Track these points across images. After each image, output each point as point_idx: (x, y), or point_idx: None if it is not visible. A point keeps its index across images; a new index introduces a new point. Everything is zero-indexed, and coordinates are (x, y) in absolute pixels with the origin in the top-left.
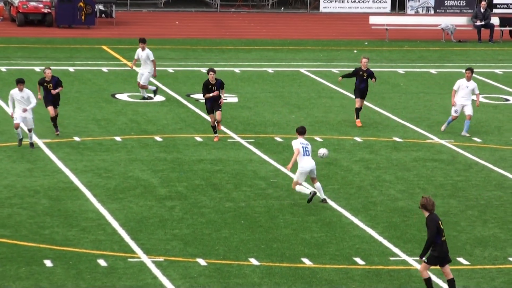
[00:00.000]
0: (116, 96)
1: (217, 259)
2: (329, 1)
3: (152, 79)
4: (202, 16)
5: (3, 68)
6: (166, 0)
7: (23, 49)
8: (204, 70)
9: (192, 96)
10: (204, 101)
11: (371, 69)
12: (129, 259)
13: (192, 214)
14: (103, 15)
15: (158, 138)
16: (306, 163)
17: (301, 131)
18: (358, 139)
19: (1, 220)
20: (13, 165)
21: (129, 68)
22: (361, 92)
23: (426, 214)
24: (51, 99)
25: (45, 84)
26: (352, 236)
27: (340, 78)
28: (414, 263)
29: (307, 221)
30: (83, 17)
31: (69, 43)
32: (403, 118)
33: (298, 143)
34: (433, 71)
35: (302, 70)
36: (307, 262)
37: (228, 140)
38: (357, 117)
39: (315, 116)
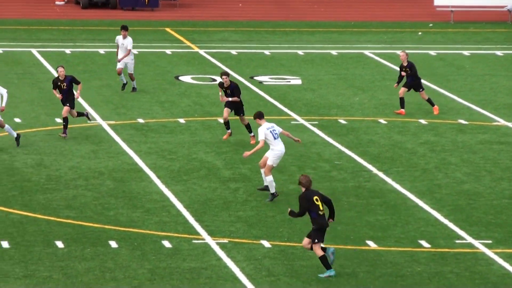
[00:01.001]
0: (180, 78)
1: (281, 241)
2: None
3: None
4: None
5: (68, 51)
6: None
7: (87, 31)
8: (267, 52)
9: (255, 78)
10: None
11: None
12: (194, 241)
13: (256, 196)
14: None
15: (221, 120)
16: (280, 147)
17: (261, 115)
18: (423, 121)
19: (67, 202)
20: (77, 147)
21: (193, 50)
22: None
23: (303, 190)
24: (65, 100)
25: (59, 83)
26: (417, 219)
27: (396, 85)
28: (480, 246)
29: (371, 204)
30: (146, 0)
31: (133, 26)
32: (468, 100)
33: (265, 129)
34: (499, 53)
35: (366, 52)
36: (371, 244)
37: (292, 122)
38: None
39: (379, 99)
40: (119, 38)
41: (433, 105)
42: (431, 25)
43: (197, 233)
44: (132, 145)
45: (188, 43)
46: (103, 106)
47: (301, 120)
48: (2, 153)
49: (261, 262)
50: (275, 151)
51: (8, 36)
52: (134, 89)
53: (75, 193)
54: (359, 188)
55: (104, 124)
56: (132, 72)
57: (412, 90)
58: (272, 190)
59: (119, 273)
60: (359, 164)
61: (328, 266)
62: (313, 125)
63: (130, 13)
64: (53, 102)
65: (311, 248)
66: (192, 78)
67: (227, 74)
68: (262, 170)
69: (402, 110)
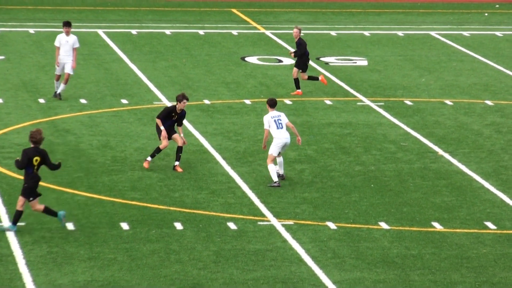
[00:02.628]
0: (246, 59)
1: (346, 223)
2: None
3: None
4: None
5: (134, 31)
6: None
7: (154, 12)
8: (334, 33)
9: (322, 59)
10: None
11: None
12: (259, 222)
13: (321, 177)
14: None
15: (287, 101)
16: (281, 136)
17: (272, 104)
18: (489, 102)
19: (132, 183)
20: (143, 128)
21: (259, 31)
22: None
23: (32, 145)
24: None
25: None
26: (483, 201)
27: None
28: None
29: (437, 185)
30: None
31: (199, 6)
32: None
33: (269, 117)
34: None
35: (432, 33)
36: (437, 226)
37: (358, 103)
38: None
39: (445, 80)
40: (61, 36)
41: (298, 88)
42: (497, 6)
43: (263, 215)
44: (198, 126)
45: (254, 24)
46: (169, 87)
47: (367, 101)
48: (68, 134)
49: (327, 243)
50: (277, 140)
51: (74, 17)
52: (58, 95)
53: (141, 174)
54: (425, 169)
55: (169, 104)
56: (71, 73)
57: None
58: (275, 179)
59: (184, 255)
60: (425, 145)
61: (15, 222)
62: (379, 106)
63: None
64: (119, 83)
65: (37, 209)
66: (258, 59)
67: (186, 98)
68: (278, 159)
69: (299, 91)
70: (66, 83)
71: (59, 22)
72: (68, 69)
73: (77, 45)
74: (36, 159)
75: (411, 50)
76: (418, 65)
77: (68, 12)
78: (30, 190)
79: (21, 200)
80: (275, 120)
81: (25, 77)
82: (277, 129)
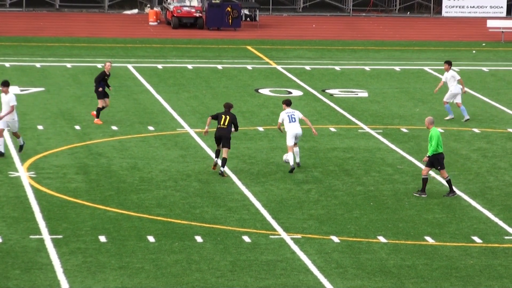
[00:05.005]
0: (259, 90)
1: (348, 237)
2: (450, 6)
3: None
4: (336, 20)
5: (160, 66)
6: (304, 5)
7: (177, 49)
8: (338, 68)
9: (327, 91)
10: None
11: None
12: (270, 236)
13: (326, 196)
14: (248, 19)
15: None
16: (292, 128)
17: (288, 103)
18: (476, 130)
19: (158, 201)
20: (168, 152)
21: (271, 66)
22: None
23: None
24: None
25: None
26: (470, 217)
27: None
28: None
29: (429, 204)
30: (230, 21)
31: (218, 44)
32: None
33: (284, 113)
34: None
35: (426, 68)
36: (429, 240)
37: (359, 130)
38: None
39: (437, 110)
40: (1, 96)
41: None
42: (484, 44)
43: (274, 229)
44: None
45: (267, 60)
46: (190, 116)
47: (367, 129)
48: (101, 157)
49: (331, 255)
50: (289, 131)
51: (106, 53)
52: (21, 147)
53: (165, 193)
54: (419, 190)
55: (192, 132)
56: (17, 131)
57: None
58: (291, 163)
59: (203, 264)
60: (419, 168)
61: None
62: (378, 133)
63: (215, 32)
64: (146, 112)
65: None
66: (270, 91)
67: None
68: (294, 149)
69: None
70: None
71: (93, 58)
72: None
73: (13, 102)
74: None
75: (407, 83)
76: (413, 96)
77: (101, 49)
78: None
79: None
80: (288, 116)
81: (63, 107)
82: (289, 122)
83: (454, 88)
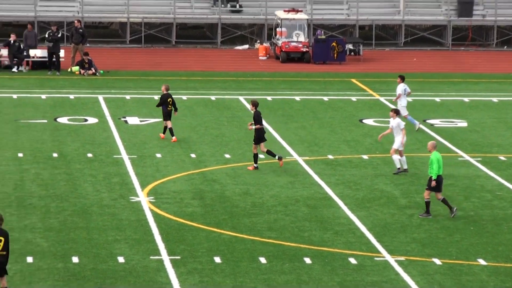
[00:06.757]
0: (363, 121)
1: (450, 259)
2: None
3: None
4: (435, 54)
5: (269, 98)
6: (405, 40)
7: (285, 81)
8: (438, 99)
9: (428, 121)
10: None
11: None
12: (375, 258)
13: (428, 221)
14: (352, 53)
15: (404, 157)
16: (399, 136)
17: (397, 112)
18: None
19: (269, 224)
20: (277, 179)
21: (374, 98)
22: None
23: None
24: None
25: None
26: None
27: None
28: None
29: None
30: (335, 55)
31: (324, 77)
32: None
33: (395, 122)
34: None
35: None
36: None
37: (459, 158)
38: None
39: None
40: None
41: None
42: None
43: (378, 252)
44: (323, 177)
45: (371, 91)
46: (298, 144)
47: (466, 157)
48: (215, 184)
49: (433, 277)
50: (395, 140)
51: (219, 86)
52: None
53: (276, 217)
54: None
55: (300, 160)
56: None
57: None
58: (397, 165)
59: (312, 285)
60: None
61: None
62: (477, 161)
63: (322, 66)
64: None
65: None
66: (374, 121)
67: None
68: (402, 158)
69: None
70: None
71: (207, 90)
72: None
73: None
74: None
75: (505, 113)
76: (511, 126)
77: (215, 82)
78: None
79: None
80: (392, 126)
81: (179, 136)
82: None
83: None
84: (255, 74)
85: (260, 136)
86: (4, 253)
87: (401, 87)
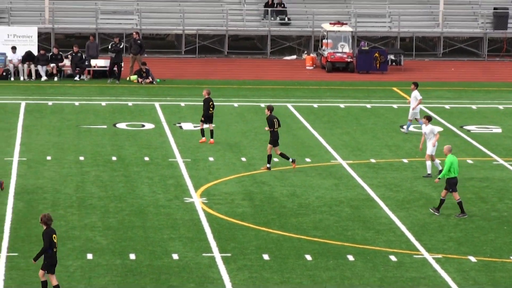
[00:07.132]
0: (404, 127)
1: (484, 257)
2: None
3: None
4: (472, 64)
5: (315, 105)
6: (443, 51)
7: (331, 90)
8: (474, 107)
9: (464, 127)
10: None
11: None
12: (414, 256)
13: (464, 221)
14: (394, 63)
15: (437, 160)
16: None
17: (430, 118)
18: None
19: (314, 224)
20: (323, 181)
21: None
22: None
23: (44, 227)
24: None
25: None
26: None
27: None
28: None
29: None
30: (378, 65)
31: (367, 85)
32: None
33: (428, 129)
34: None
35: None
36: None
37: (494, 162)
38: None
39: None
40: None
41: None
42: None
43: (417, 250)
44: (366, 179)
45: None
46: (343, 149)
47: (501, 161)
48: (264, 185)
49: (469, 273)
50: (428, 146)
51: (269, 94)
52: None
53: (321, 217)
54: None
55: (344, 163)
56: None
57: None
58: (428, 171)
59: (355, 280)
60: None
61: None
62: (511, 165)
63: (365, 75)
64: (304, 146)
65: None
66: (414, 127)
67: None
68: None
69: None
70: None
71: (257, 98)
72: None
73: None
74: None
75: None
76: None
77: (264, 90)
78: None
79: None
80: (425, 133)
81: (231, 141)
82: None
83: None
84: (302, 83)
85: (275, 138)
86: (55, 250)
87: (416, 94)
